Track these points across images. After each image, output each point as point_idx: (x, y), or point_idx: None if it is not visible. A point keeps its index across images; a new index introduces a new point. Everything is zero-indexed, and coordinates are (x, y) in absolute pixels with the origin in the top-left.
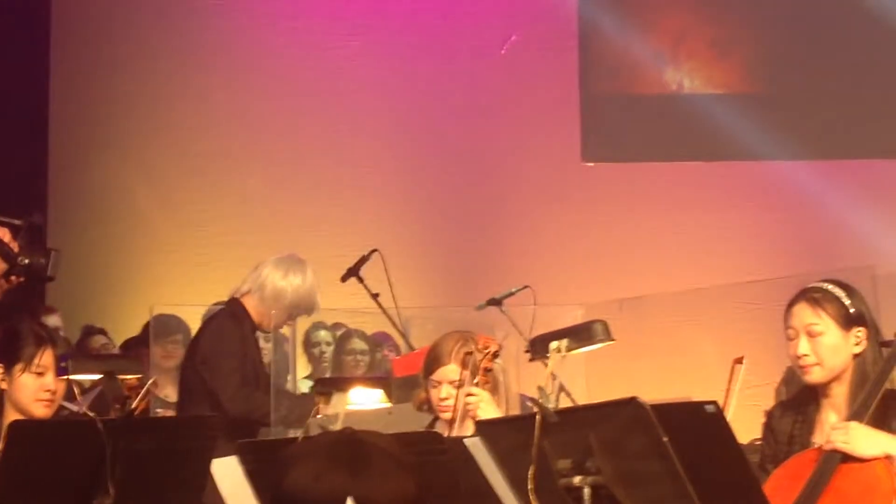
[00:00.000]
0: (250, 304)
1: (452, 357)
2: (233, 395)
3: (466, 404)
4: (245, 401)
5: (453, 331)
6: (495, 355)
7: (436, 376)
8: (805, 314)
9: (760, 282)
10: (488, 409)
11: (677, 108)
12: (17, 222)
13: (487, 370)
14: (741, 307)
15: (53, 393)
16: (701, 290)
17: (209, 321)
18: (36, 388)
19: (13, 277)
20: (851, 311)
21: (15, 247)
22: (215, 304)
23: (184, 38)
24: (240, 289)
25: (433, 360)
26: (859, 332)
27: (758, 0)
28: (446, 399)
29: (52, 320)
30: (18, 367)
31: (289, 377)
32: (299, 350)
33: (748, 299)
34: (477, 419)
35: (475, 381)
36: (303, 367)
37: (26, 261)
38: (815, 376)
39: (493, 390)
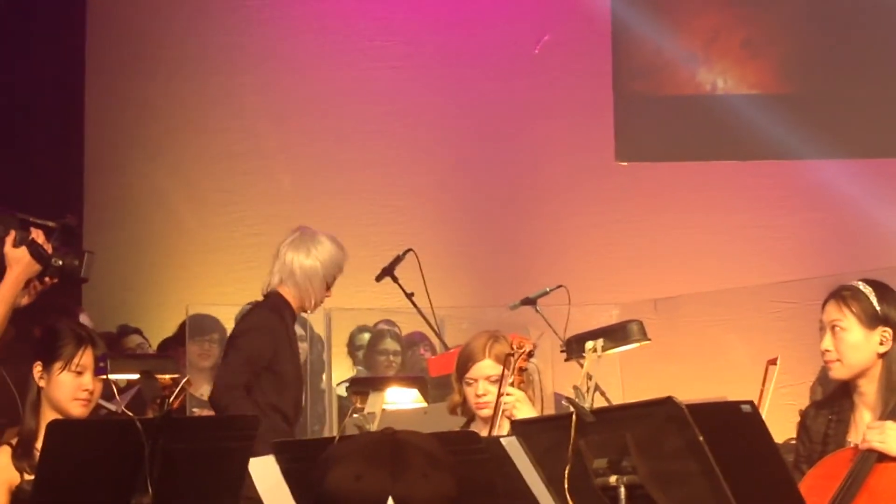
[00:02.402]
0: (287, 293)
1: (486, 353)
2: (222, 389)
3: (503, 404)
4: (226, 400)
5: (482, 330)
6: (530, 355)
7: (471, 374)
8: (831, 310)
9: (795, 282)
10: (524, 408)
11: (710, 108)
12: (50, 224)
13: (522, 370)
14: (776, 307)
15: (91, 393)
16: (735, 290)
17: (247, 316)
18: (74, 388)
19: (47, 279)
20: (878, 310)
21: (49, 248)
22: (249, 304)
23: (217, 41)
24: (271, 282)
25: (467, 359)
26: (885, 332)
27: (789, 0)
28: (484, 395)
29: (82, 319)
30: (57, 365)
31: (323, 377)
32: (343, 351)
33: (783, 299)
34: (513, 419)
35: (511, 381)
36: (346, 369)
37: (60, 262)
38: (836, 372)
39: (527, 389)
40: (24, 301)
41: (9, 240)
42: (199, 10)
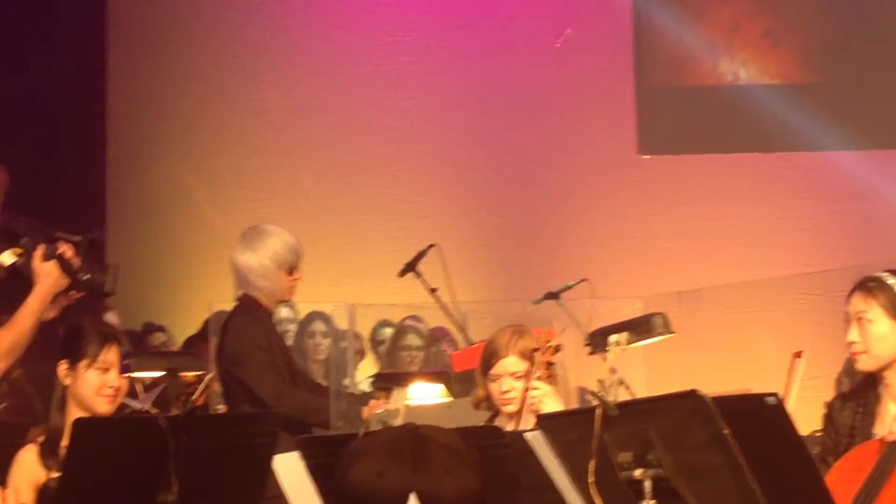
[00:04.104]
0: (255, 295)
1: (510, 349)
2: (276, 394)
3: (530, 398)
4: (289, 400)
5: (506, 325)
6: (557, 349)
7: (495, 370)
8: (857, 302)
9: (819, 273)
10: (551, 402)
11: (732, 100)
12: (77, 238)
13: (550, 364)
14: (800, 299)
15: (117, 389)
16: (759, 282)
17: (227, 323)
18: (100, 385)
19: (73, 293)
20: None
21: (77, 263)
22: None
23: (238, 38)
24: (236, 291)
25: (491, 355)
26: None
27: None
28: (508, 392)
29: (110, 318)
30: (83, 363)
31: (348, 372)
32: (366, 346)
33: (807, 291)
34: (540, 413)
35: (537, 375)
36: (369, 364)
37: (87, 276)
38: (863, 364)
39: (555, 384)
40: (50, 314)
41: (37, 254)
42: (220, 8)
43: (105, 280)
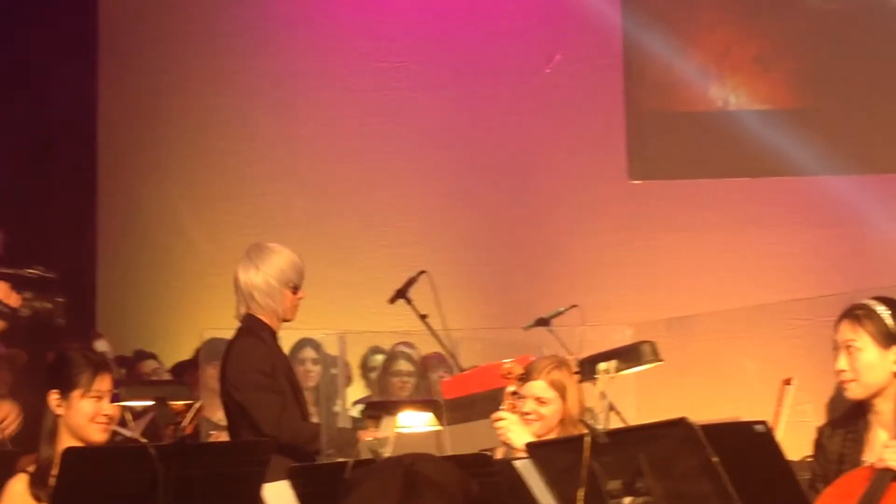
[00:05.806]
0: (258, 313)
1: (542, 374)
2: (274, 421)
3: (497, 429)
4: (286, 427)
5: (552, 354)
6: (521, 378)
7: (523, 390)
8: (845, 330)
9: (809, 299)
10: (518, 431)
11: (723, 125)
12: (8, 272)
13: (514, 393)
14: (790, 325)
15: (111, 417)
16: (750, 309)
17: (230, 345)
18: (94, 413)
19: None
20: (893, 329)
21: (15, 300)
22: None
23: (229, 64)
24: (238, 310)
25: (525, 377)
26: None
27: (802, 15)
28: (530, 413)
29: (100, 345)
30: (77, 392)
31: (338, 401)
32: (357, 374)
33: (797, 317)
34: (507, 444)
35: (503, 406)
36: (360, 392)
37: (27, 312)
38: (852, 392)
39: (519, 413)
40: None
41: None
42: (210, 33)
43: (52, 311)
